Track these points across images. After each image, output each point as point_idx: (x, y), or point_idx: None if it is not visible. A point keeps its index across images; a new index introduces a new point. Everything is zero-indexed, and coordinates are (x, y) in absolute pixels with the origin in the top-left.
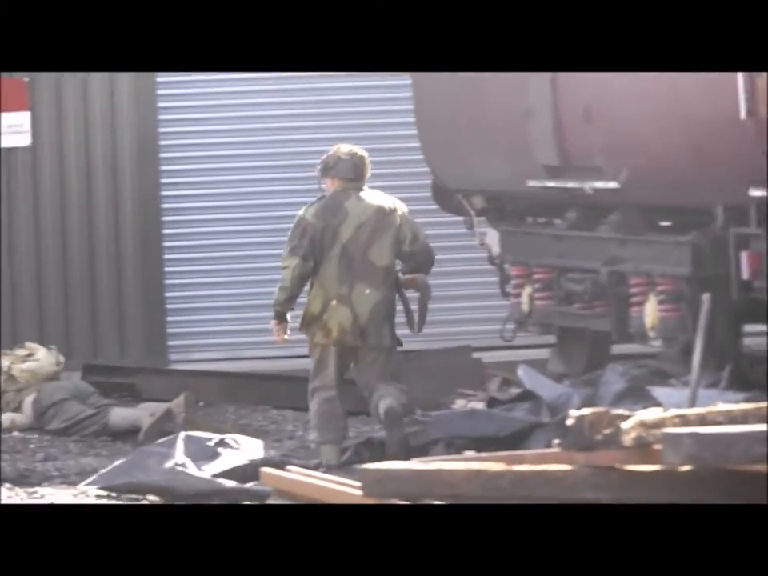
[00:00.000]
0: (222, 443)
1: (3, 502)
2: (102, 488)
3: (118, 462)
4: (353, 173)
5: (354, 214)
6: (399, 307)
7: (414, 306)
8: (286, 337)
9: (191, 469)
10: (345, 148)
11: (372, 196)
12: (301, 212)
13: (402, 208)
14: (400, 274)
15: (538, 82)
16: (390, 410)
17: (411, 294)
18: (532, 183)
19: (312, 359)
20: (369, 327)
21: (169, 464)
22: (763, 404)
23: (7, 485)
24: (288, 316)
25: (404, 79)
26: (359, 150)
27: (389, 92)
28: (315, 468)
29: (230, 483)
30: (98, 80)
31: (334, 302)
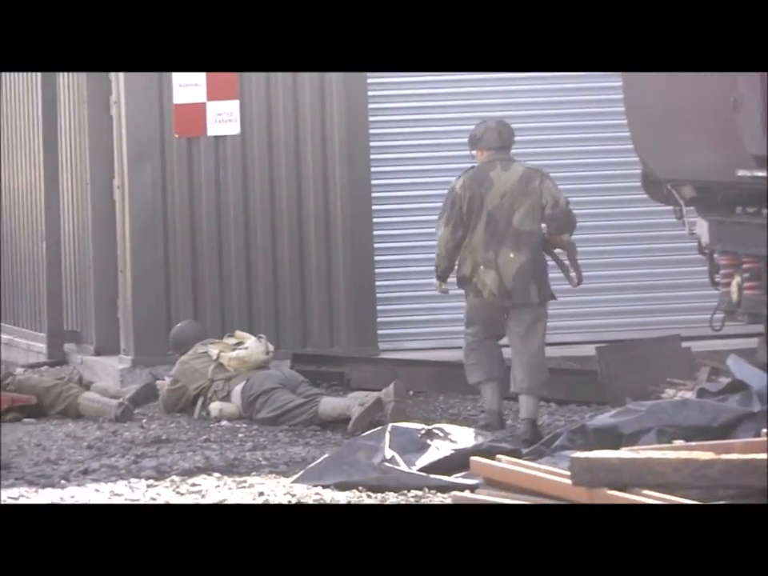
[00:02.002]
0: (430, 434)
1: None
2: (312, 485)
3: (326, 455)
4: (498, 142)
5: (499, 183)
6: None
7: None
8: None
9: (400, 464)
10: (491, 121)
11: (515, 165)
12: (452, 181)
13: (543, 174)
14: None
15: (748, 73)
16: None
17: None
18: (741, 173)
19: (466, 311)
20: (515, 288)
21: (377, 458)
22: None
23: (216, 474)
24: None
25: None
26: (504, 121)
27: (603, 81)
28: (483, 427)
29: (440, 478)
30: (308, 78)
31: (482, 267)
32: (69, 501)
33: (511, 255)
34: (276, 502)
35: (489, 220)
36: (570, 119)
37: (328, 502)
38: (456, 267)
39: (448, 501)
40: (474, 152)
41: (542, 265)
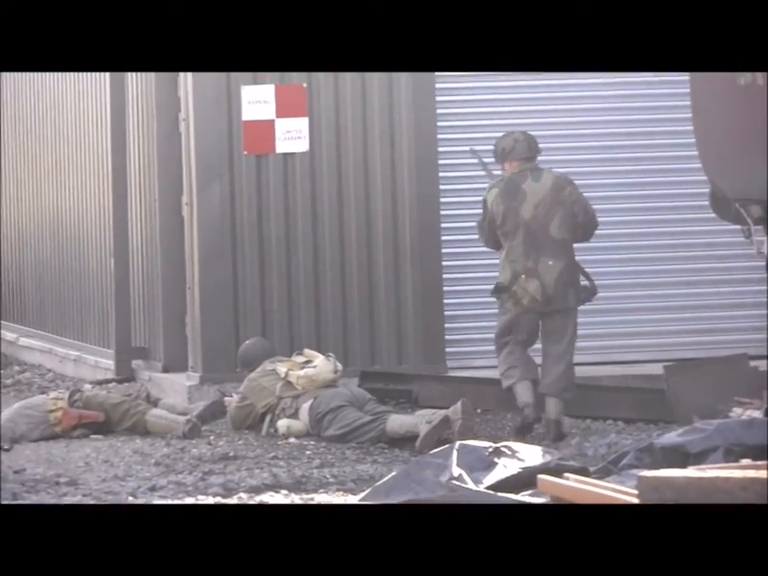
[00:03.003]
0: (497, 452)
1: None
2: (379, 503)
3: (393, 473)
4: (528, 152)
5: (532, 194)
6: None
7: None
8: None
9: (467, 482)
10: (517, 133)
11: (545, 174)
12: (485, 193)
13: (571, 182)
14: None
15: None
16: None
17: None
18: None
19: (500, 320)
20: (555, 294)
21: (444, 476)
22: None
23: (283, 491)
24: None
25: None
26: (527, 132)
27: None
28: (520, 427)
29: (507, 496)
30: (376, 81)
31: (524, 276)
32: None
33: (550, 263)
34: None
35: (526, 231)
36: (636, 125)
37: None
38: None
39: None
40: (504, 165)
41: (576, 270)
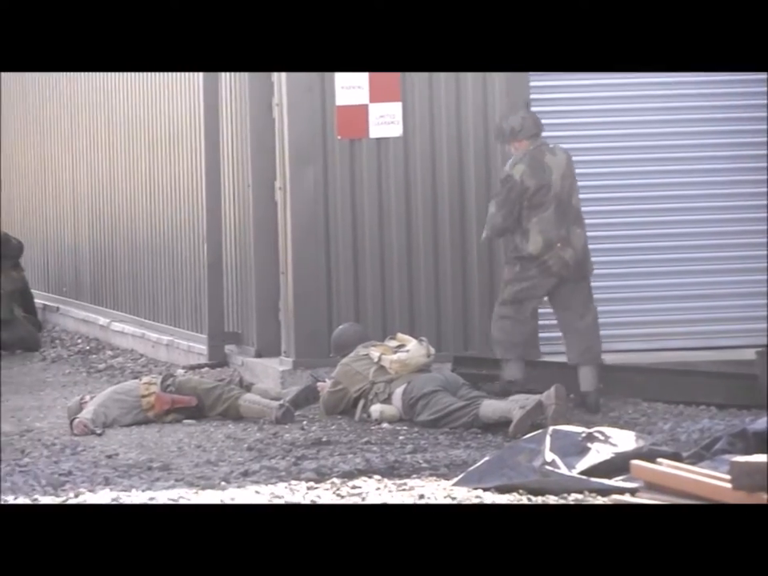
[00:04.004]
0: (590, 437)
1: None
2: (472, 487)
3: (487, 458)
4: (536, 128)
5: (556, 168)
6: None
7: None
8: None
9: (560, 467)
10: (522, 111)
11: (556, 148)
12: (507, 168)
13: (570, 155)
14: None
15: None
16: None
17: None
18: None
19: (509, 286)
20: (585, 260)
21: (537, 462)
22: None
23: (376, 476)
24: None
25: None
26: (529, 110)
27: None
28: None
29: (600, 481)
30: (470, 80)
31: (559, 244)
32: (228, 502)
33: (578, 231)
34: (435, 503)
35: (557, 202)
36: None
37: (487, 503)
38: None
39: (606, 502)
40: (513, 144)
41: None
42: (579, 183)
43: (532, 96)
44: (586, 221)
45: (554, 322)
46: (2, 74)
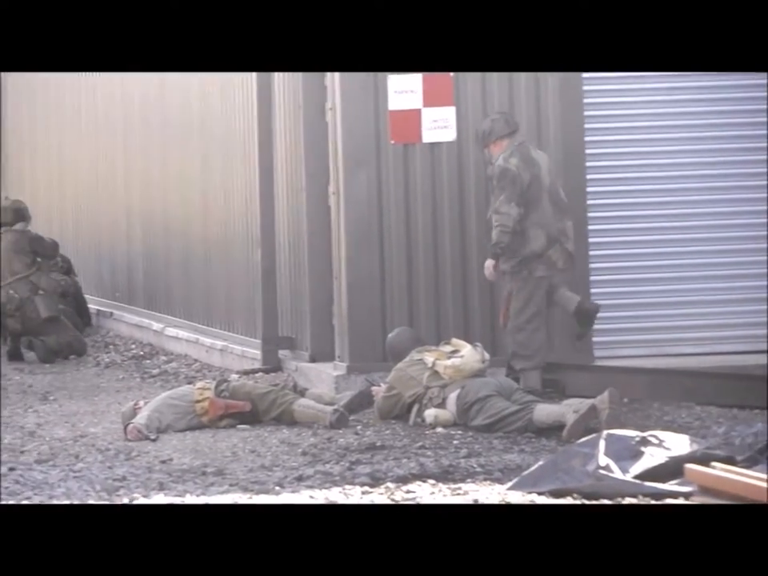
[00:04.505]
0: (644, 441)
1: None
2: (526, 492)
3: (541, 462)
4: (508, 127)
5: (542, 162)
6: None
7: None
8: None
9: (614, 471)
10: (492, 114)
11: (533, 145)
12: (501, 163)
13: None
14: None
15: None
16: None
17: None
18: None
19: (520, 294)
20: (574, 254)
21: (591, 466)
22: None
23: (431, 481)
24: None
25: None
26: (501, 111)
27: None
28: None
29: (654, 485)
30: (523, 84)
31: (562, 238)
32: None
33: (569, 224)
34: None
35: (549, 196)
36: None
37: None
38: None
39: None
40: (490, 147)
41: None
42: (617, 188)
43: (585, 99)
44: (636, 225)
45: (609, 326)
46: (51, 81)
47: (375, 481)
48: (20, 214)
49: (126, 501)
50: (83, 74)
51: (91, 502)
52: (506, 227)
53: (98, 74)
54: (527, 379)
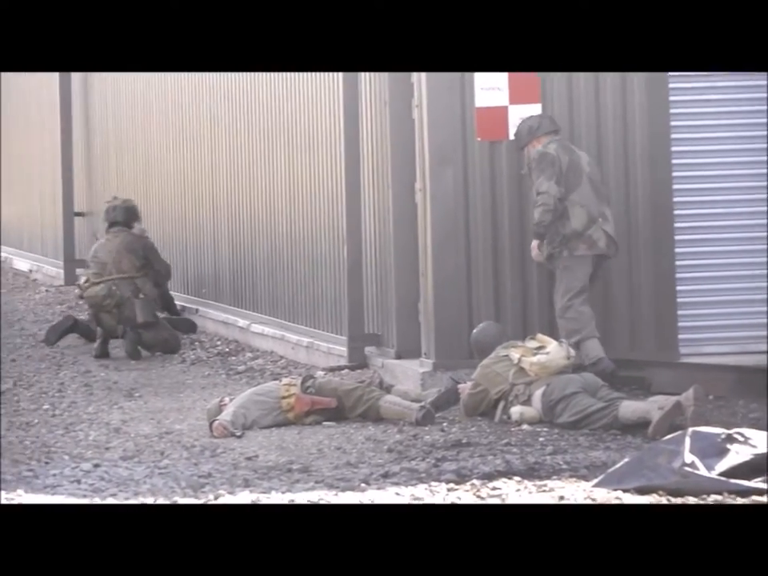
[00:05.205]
0: (730, 438)
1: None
2: (612, 489)
3: (626, 459)
4: (553, 126)
5: (582, 155)
6: None
7: None
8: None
9: (700, 468)
10: (531, 115)
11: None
12: (541, 149)
13: None
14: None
15: None
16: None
17: None
18: None
19: (565, 273)
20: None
21: (677, 463)
22: None
23: (516, 478)
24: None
25: None
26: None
27: None
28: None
29: (740, 482)
30: (609, 81)
31: (600, 219)
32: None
33: (610, 212)
34: (575, 503)
35: (590, 181)
36: None
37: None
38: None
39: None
40: (532, 144)
41: None
42: (703, 185)
43: (671, 96)
44: (722, 222)
45: (694, 323)
46: (139, 78)
47: (461, 478)
48: (131, 212)
49: (211, 497)
50: (172, 73)
51: (177, 498)
52: (548, 205)
53: (185, 73)
54: (587, 350)
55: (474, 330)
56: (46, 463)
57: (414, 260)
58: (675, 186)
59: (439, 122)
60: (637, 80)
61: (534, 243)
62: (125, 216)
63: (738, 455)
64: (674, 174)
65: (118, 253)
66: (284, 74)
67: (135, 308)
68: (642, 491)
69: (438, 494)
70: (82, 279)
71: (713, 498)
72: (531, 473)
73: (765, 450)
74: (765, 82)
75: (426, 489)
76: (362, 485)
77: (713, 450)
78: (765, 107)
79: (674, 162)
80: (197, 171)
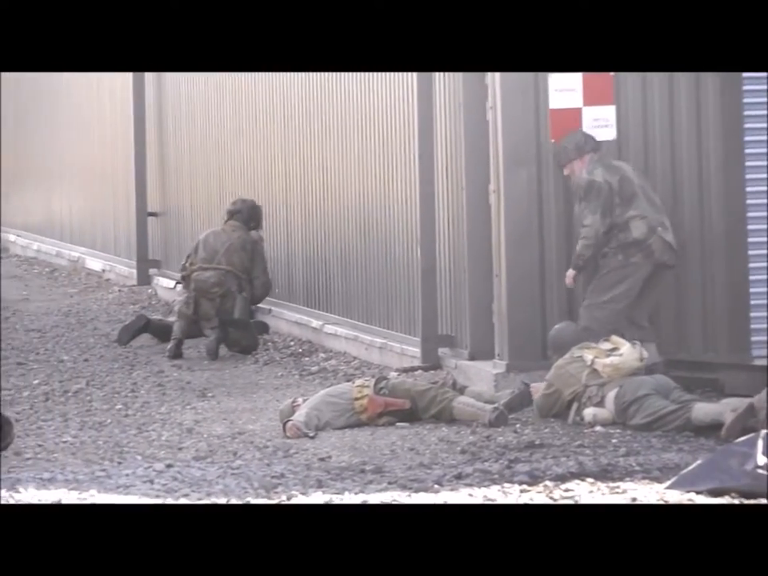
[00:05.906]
0: None
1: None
2: (684, 491)
3: (699, 461)
4: (596, 144)
5: (625, 167)
6: None
7: None
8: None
9: None
10: (579, 130)
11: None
12: (585, 176)
13: None
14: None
15: None
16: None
17: None
18: None
19: (609, 274)
20: (676, 249)
21: (750, 465)
22: None
23: (589, 479)
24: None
25: None
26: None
27: None
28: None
29: None
30: (683, 82)
31: (660, 228)
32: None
33: (668, 221)
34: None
35: (642, 190)
36: None
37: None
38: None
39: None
40: (575, 162)
41: None
42: None
43: (745, 99)
44: None
45: (767, 325)
46: (211, 79)
47: (534, 479)
48: (255, 213)
49: (284, 498)
50: (245, 73)
51: (249, 499)
52: (589, 239)
53: (259, 74)
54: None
55: (553, 329)
56: (119, 463)
57: (488, 261)
58: (748, 189)
59: (513, 123)
60: (711, 81)
61: (570, 272)
62: (247, 214)
63: None
64: (747, 175)
65: (231, 246)
66: (358, 75)
67: (236, 303)
68: (714, 493)
69: (510, 495)
70: (187, 260)
71: None
72: (604, 474)
73: None
74: None
75: (498, 490)
76: (435, 486)
77: None
78: None
79: (748, 164)
80: (270, 172)
